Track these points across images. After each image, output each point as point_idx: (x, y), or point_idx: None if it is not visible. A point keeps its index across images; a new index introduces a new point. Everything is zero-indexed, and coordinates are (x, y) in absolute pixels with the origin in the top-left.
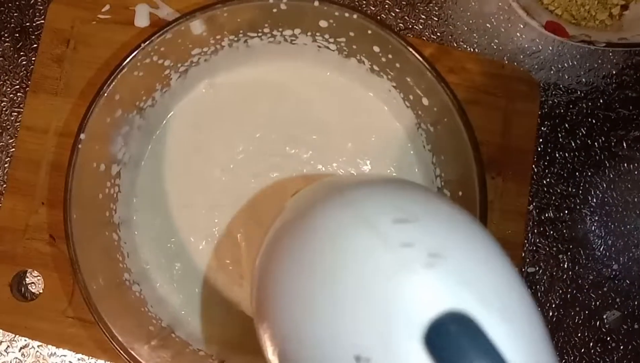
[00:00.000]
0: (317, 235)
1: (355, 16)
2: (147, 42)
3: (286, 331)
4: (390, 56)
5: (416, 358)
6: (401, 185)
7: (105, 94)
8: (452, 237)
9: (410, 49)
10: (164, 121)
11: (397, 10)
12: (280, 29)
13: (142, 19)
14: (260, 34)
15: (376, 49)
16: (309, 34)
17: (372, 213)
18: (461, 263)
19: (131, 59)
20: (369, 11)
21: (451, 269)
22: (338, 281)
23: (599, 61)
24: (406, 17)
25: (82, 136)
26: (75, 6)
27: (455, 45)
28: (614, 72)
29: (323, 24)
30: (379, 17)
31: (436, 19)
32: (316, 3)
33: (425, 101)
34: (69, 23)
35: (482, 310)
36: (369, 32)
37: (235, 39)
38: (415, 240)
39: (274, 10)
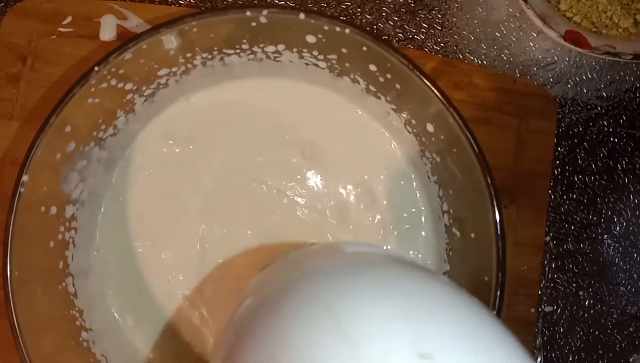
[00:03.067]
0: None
1: (347, 30)
2: (101, 64)
3: None
4: (388, 76)
5: None
6: (407, 285)
7: (52, 127)
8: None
9: (412, 69)
10: (128, 151)
11: (396, 18)
12: (261, 45)
13: (108, 32)
14: (238, 51)
15: (373, 67)
16: (295, 50)
17: (376, 355)
18: None
19: (82, 85)
20: (364, 20)
21: None
22: None
23: (621, 73)
24: (406, 27)
25: (24, 178)
26: (32, 18)
27: (461, 57)
28: (637, 85)
29: (310, 39)
30: (375, 27)
31: (439, 28)
32: (302, 16)
33: (430, 128)
34: (26, 37)
35: None
36: (364, 48)
37: (209, 56)
38: None
39: (253, 24)
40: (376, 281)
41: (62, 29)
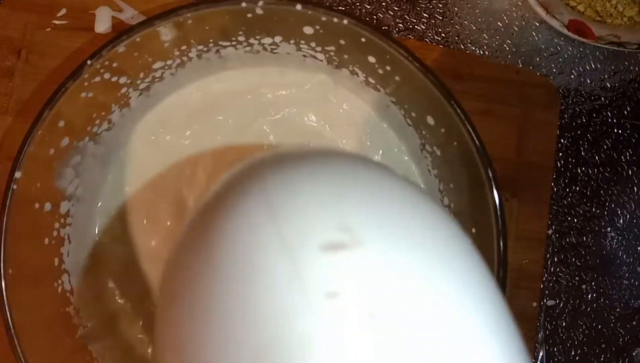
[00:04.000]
0: (224, 239)
1: (345, 21)
2: (94, 58)
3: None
4: (388, 68)
5: None
6: (346, 169)
7: (44, 123)
8: (417, 275)
9: (412, 61)
10: (124, 146)
11: (396, 8)
12: (257, 37)
13: (103, 24)
14: (234, 43)
15: (372, 59)
16: (292, 41)
17: (296, 229)
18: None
19: (75, 79)
20: (364, 10)
21: (396, 350)
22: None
23: (626, 63)
24: (406, 16)
25: (17, 174)
26: (27, 10)
27: (462, 47)
28: None
29: (308, 30)
30: (375, 17)
31: (440, 17)
32: (298, 6)
33: (430, 120)
34: (20, 30)
35: None
36: (363, 39)
37: (205, 49)
38: (348, 285)
39: (249, 15)
40: (317, 167)
41: (56, 22)
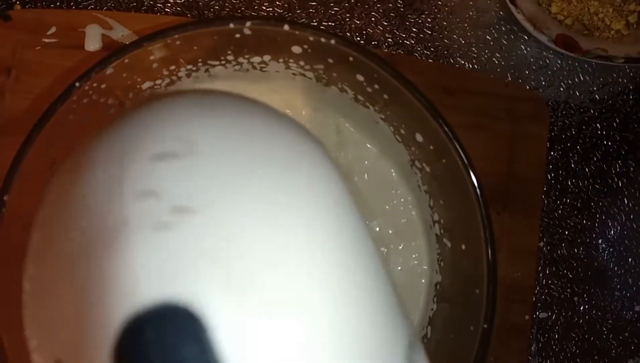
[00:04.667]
0: (78, 171)
1: (332, 41)
2: (82, 80)
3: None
4: (376, 86)
5: None
6: (204, 101)
7: (33, 146)
8: (228, 181)
9: (399, 80)
10: None
11: (385, 23)
12: (246, 56)
13: (93, 42)
14: (223, 62)
15: (360, 77)
16: (281, 60)
17: (128, 144)
18: (219, 222)
19: (63, 101)
20: (353, 25)
21: (196, 231)
22: (68, 238)
23: (614, 75)
24: (395, 31)
25: (5, 197)
26: (16, 29)
27: (451, 61)
28: (631, 87)
29: (296, 49)
30: (364, 32)
31: (429, 32)
32: (286, 27)
33: (419, 138)
34: (10, 49)
35: (225, 301)
36: (351, 58)
37: (194, 68)
38: (163, 188)
39: (237, 35)
40: (172, 110)
41: (46, 40)
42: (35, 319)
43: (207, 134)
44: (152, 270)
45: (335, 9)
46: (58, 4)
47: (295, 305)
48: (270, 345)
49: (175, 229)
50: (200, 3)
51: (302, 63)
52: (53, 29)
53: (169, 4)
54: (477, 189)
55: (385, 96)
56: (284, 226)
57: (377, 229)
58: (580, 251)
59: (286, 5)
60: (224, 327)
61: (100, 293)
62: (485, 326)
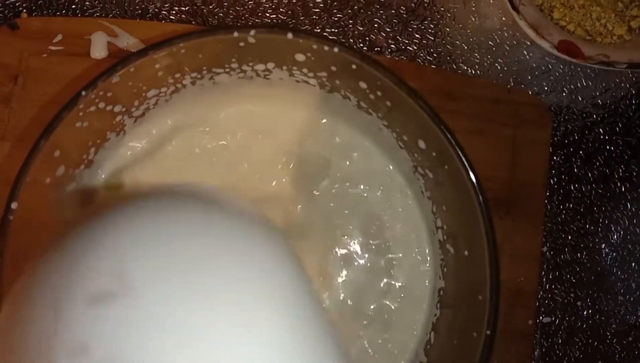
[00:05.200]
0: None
1: (336, 49)
2: (89, 88)
3: None
4: (379, 93)
5: None
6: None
7: (40, 153)
8: (172, 319)
9: (401, 88)
10: (120, 173)
11: (388, 29)
12: (250, 64)
13: (99, 50)
14: (227, 70)
15: (363, 85)
16: (285, 68)
17: (65, 284)
18: None
19: (70, 109)
20: (356, 32)
21: None
22: None
23: (617, 80)
24: (398, 37)
25: (13, 205)
26: (23, 37)
27: (454, 67)
28: (633, 91)
29: (300, 57)
30: (367, 39)
31: (432, 38)
32: (290, 35)
33: (421, 144)
34: (16, 56)
35: None
36: (354, 66)
37: (199, 76)
38: (96, 337)
39: (241, 44)
40: (119, 216)
41: (52, 47)
42: None
43: (144, 265)
44: None
45: (338, 15)
46: (64, 11)
47: None
48: None
49: None
50: (205, 10)
51: (305, 70)
52: (59, 37)
53: (174, 12)
54: (480, 196)
55: (388, 103)
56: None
57: (380, 235)
58: (584, 256)
59: (290, 12)
60: None
61: None
62: (488, 332)
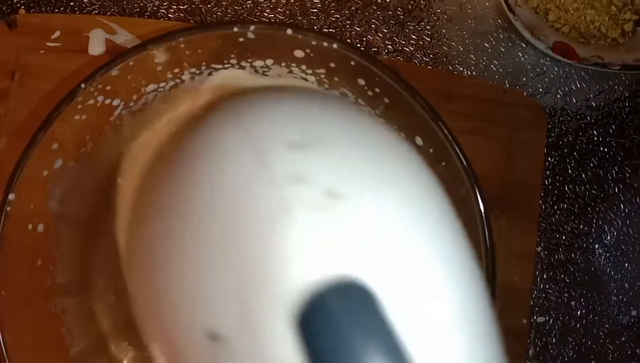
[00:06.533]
0: (198, 159)
1: (334, 46)
2: (88, 81)
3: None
4: (377, 90)
5: (283, 347)
6: (314, 98)
7: (38, 145)
8: (365, 169)
9: (399, 84)
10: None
11: (385, 30)
12: (249, 60)
13: (97, 46)
14: (227, 65)
15: (361, 81)
16: (283, 64)
17: (263, 133)
18: (369, 208)
19: (68, 102)
20: (353, 32)
21: (351, 215)
22: (206, 222)
23: (610, 82)
24: (395, 38)
25: (10, 196)
26: (20, 33)
27: (450, 68)
28: (627, 94)
29: (299, 54)
30: (364, 39)
31: (428, 39)
32: (289, 31)
33: (419, 141)
34: (14, 52)
35: (389, 282)
36: (352, 63)
37: (198, 71)
38: (310, 173)
39: (241, 39)
40: (294, 105)
41: (50, 44)
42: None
43: (331, 128)
44: (324, 248)
45: (335, 16)
46: (62, 9)
47: (443, 284)
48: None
49: (335, 211)
50: (203, 9)
51: (304, 67)
52: (57, 33)
53: (172, 10)
54: (477, 191)
55: (386, 100)
56: (421, 213)
57: None
58: (577, 256)
59: (288, 12)
60: (394, 307)
61: (263, 271)
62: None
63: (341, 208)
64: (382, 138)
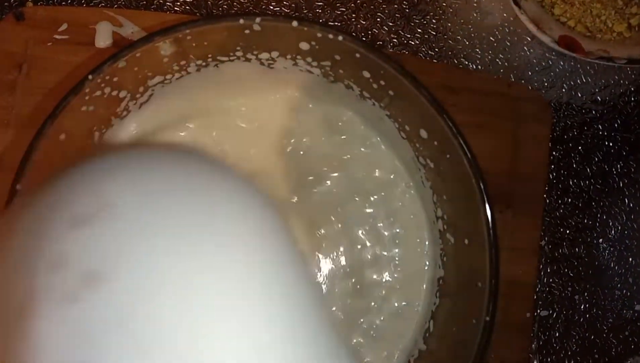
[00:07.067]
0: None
1: (340, 38)
2: (95, 73)
3: None
4: (382, 82)
5: None
6: (143, 159)
7: (46, 136)
8: (151, 239)
9: (405, 76)
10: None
11: (391, 24)
12: (255, 52)
13: (103, 39)
14: (232, 57)
15: (366, 74)
16: (289, 57)
17: (49, 208)
18: (131, 288)
19: (76, 93)
20: (359, 26)
21: (107, 300)
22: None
23: (616, 77)
24: (400, 32)
25: (18, 186)
26: (28, 25)
27: (455, 62)
28: (632, 88)
29: (304, 46)
30: (370, 33)
31: (434, 33)
32: (295, 23)
33: (423, 134)
34: (22, 45)
35: None
36: (357, 55)
37: (204, 63)
38: (76, 253)
39: (246, 31)
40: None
41: (57, 36)
42: None
43: (126, 193)
44: (60, 343)
45: (341, 9)
46: (69, 1)
47: None
48: None
49: (85, 299)
50: (209, 2)
51: (309, 60)
52: (64, 26)
53: (178, 3)
54: (481, 184)
55: (391, 92)
56: (207, 283)
57: (381, 225)
58: (581, 250)
59: (293, 5)
60: None
61: None
62: (488, 318)
63: (94, 294)
64: (201, 193)
